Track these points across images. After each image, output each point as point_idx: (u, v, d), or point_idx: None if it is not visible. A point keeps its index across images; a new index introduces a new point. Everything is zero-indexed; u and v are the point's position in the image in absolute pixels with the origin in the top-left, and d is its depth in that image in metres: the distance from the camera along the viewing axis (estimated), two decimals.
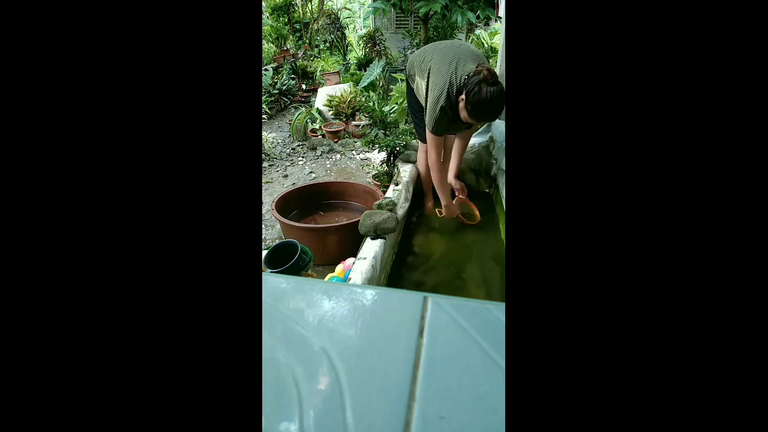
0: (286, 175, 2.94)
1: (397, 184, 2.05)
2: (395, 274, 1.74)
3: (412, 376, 0.30)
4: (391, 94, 3.70)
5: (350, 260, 1.67)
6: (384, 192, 2.05)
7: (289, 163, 3.16)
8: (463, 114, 1.59)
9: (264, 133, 3.45)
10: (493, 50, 4.18)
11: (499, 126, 2.31)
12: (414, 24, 5.32)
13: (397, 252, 1.86)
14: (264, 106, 4.15)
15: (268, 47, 5.35)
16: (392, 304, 0.36)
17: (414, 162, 2.31)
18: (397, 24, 5.64)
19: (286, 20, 5.60)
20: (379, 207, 1.68)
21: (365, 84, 4.11)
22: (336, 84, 4.33)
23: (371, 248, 1.50)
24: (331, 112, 3.80)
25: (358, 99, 3.75)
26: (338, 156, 3.27)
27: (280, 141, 3.60)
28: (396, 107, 3.24)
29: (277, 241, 1.67)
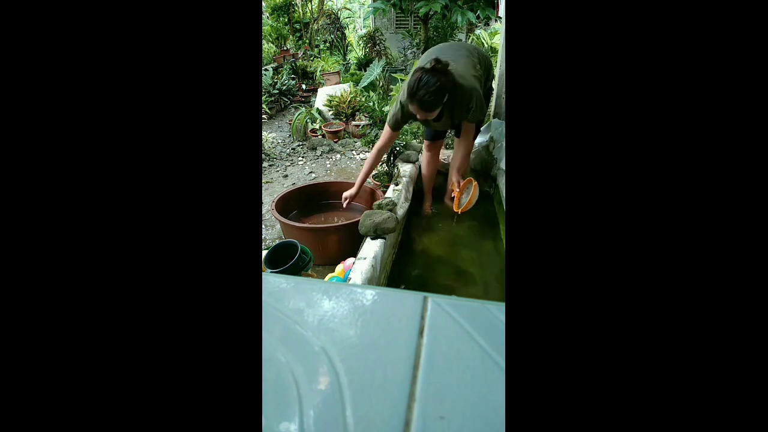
0: (286, 175, 2.94)
1: (397, 184, 2.05)
2: (395, 274, 1.74)
3: (412, 376, 0.30)
4: (391, 94, 3.70)
5: (350, 260, 1.67)
6: (384, 192, 2.05)
7: (289, 163, 3.16)
8: (411, 108, 1.55)
9: (264, 133, 3.45)
10: (493, 50, 4.18)
11: (499, 126, 2.31)
12: (414, 24, 5.32)
13: (397, 252, 1.86)
14: (264, 106, 4.15)
15: (268, 47, 5.35)
16: (392, 304, 0.36)
17: (414, 162, 2.31)
18: (397, 24, 5.64)
19: (286, 20, 5.60)
20: (379, 207, 1.68)
21: (365, 84, 4.11)
22: (336, 84, 4.33)
23: (371, 248, 1.50)
24: (331, 112, 3.80)
25: (358, 99, 3.75)
26: (338, 156, 3.27)
27: (280, 141, 3.60)
28: None
29: (277, 241, 1.67)
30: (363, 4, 7.31)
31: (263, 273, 0.36)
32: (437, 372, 0.30)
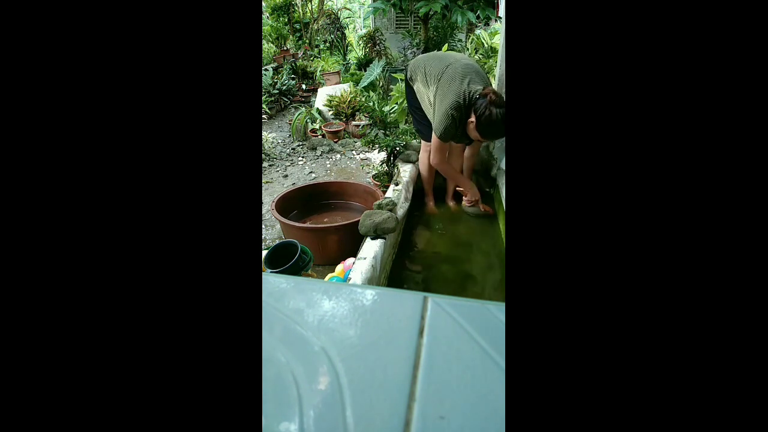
0: (286, 175, 2.94)
1: (397, 184, 2.05)
2: (395, 274, 1.74)
3: (412, 376, 0.30)
4: (391, 94, 3.70)
5: (350, 260, 1.67)
6: (384, 192, 2.05)
7: (289, 163, 3.16)
8: (474, 134, 1.72)
9: (264, 133, 3.45)
10: (493, 50, 4.18)
11: None
12: (414, 24, 5.32)
13: (397, 252, 1.86)
14: (264, 106, 4.15)
15: (268, 47, 5.35)
16: (392, 304, 0.36)
17: (414, 162, 2.31)
18: (397, 24, 5.63)
19: (286, 20, 5.60)
20: (379, 207, 1.68)
21: (365, 84, 4.11)
22: (336, 84, 4.32)
23: (371, 248, 1.50)
24: (331, 112, 3.80)
25: (358, 99, 3.75)
26: (338, 156, 3.27)
27: (280, 141, 3.60)
28: (396, 107, 3.24)
29: (277, 241, 1.67)
30: (363, 4, 7.31)
31: (263, 273, 0.36)
32: (437, 372, 0.30)
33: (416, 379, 0.29)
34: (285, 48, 5.41)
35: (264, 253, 1.53)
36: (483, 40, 4.46)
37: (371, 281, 1.37)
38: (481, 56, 4.06)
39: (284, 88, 4.52)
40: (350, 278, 1.38)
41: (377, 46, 4.95)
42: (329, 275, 1.68)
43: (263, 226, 2.25)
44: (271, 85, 4.41)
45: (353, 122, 3.67)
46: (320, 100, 3.93)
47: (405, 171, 2.21)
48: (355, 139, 3.52)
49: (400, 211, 1.81)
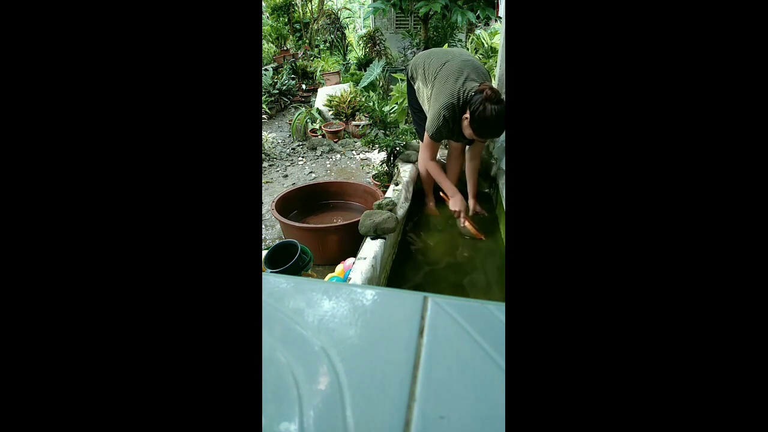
0: (286, 175, 2.94)
1: (397, 184, 2.05)
2: (395, 274, 1.74)
3: (412, 376, 0.30)
4: (391, 94, 3.70)
5: (350, 260, 1.67)
6: (384, 192, 2.05)
7: (289, 163, 3.16)
8: (468, 132, 1.64)
9: (264, 133, 3.45)
10: (493, 50, 4.18)
11: None
12: (414, 24, 5.32)
13: (397, 252, 1.86)
14: (264, 106, 4.15)
15: (268, 47, 5.35)
16: (392, 304, 0.36)
17: (414, 162, 2.31)
18: (397, 24, 5.64)
19: (286, 20, 5.60)
20: (379, 207, 1.68)
21: (365, 84, 4.11)
22: (336, 84, 4.33)
23: (371, 248, 1.50)
24: (331, 112, 3.80)
25: (358, 99, 3.75)
26: (338, 156, 3.27)
27: (280, 141, 3.60)
28: (396, 107, 3.24)
29: (277, 241, 1.67)
30: (363, 4, 7.31)
31: (263, 273, 0.36)
32: (437, 372, 0.30)
33: (416, 379, 0.29)
34: (285, 48, 5.41)
35: (264, 253, 1.53)
36: (483, 40, 4.46)
37: (371, 281, 1.37)
38: (481, 56, 4.06)
39: (284, 88, 4.52)
40: (350, 278, 1.38)
41: (377, 46, 4.95)
42: (329, 275, 1.68)
43: (263, 226, 2.25)
44: (271, 85, 4.41)
45: (353, 122, 3.67)
46: (320, 100, 3.93)
47: (405, 171, 2.21)
48: (355, 139, 3.52)
49: (400, 211, 1.81)
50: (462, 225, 1.90)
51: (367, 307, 0.36)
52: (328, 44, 5.94)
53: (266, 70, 4.60)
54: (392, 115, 3.11)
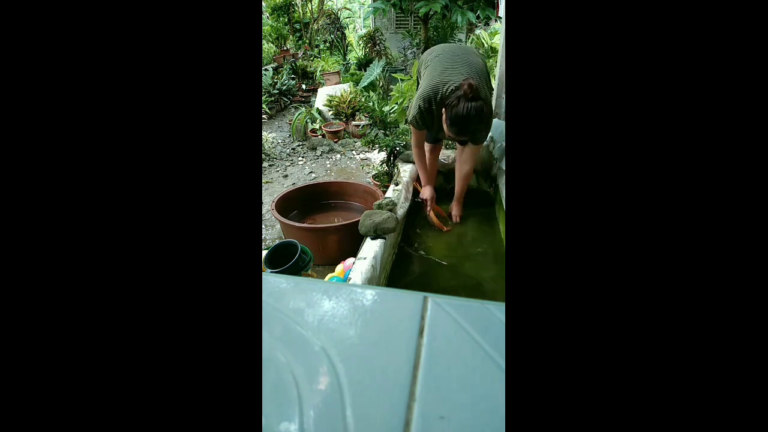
0: (286, 175, 2.94)
1: (397, 184, 2.05)
2: (395, 274, 1.74)
3: (412, 376, 0.30)
4: (391, 94, 3.70)
5: (350, 260, 1.67)
6: (384, 192, 2.05)
7: (289, 163, 3.16)
8: (444, 126, 1.64)
9: (264, 133, 3.45)
10: (493, 50, 4.18)
11: (499, 126, 2.31)
12: (414, 24, 5.31)
13: (397, 252, 1.86)
14: (264, 106, 4.15)
15: (268, 47, 5.35)
16: (392, 304, 0.36)
17: (414, 162, 2.31)
18: (397, 24, 5.64)
19: (286, 20, 5.60)
20: (379, 207, 1.68)
21: (365, 84, 4.11)
22: (336, 84, 4.33)
23: (371, 248, 1.50)
24: (331, 112, 3.80)
25: (358, 99, 3.75)
26: (338, 156, 3.27)
27: (280, 141, 3.60)
28: (396, 107, 3.24)
29: (277, 241, 1.67)
30: (363, 4, 7.31)
31: (263, 273, 0.36)
32: (437, 372, 0.30)
33: (416, 379, 0.29)
34: (285, 48, 5.41)
35: (264, 253, 1.53)
36: (483, 40, 4.46)
37: (371, 281, 1.37)
38: None
39: (284, 88, 4.52)
40: (350, 278, 1.38)
41: (377, 46, 4.95)
42: (329, 275, 1.68)
43: (263, 226, 2.25)
44: (271, 85, 4.41)
45: (353, 122, 3.67)
46: (320, 100, 3.93)
47: (405, 171, 2.21)
48: (355, 139, 3.52)
49: (400, 211, 1.81)
50: (427, 213, 2.01)
51: (367, 307, 0.36)
52: (328, 44, 5.94)
53: (266, 70, 4.60)
54: (392, 115, 3.11)
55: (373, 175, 2.58)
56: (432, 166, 2.12)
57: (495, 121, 2.42)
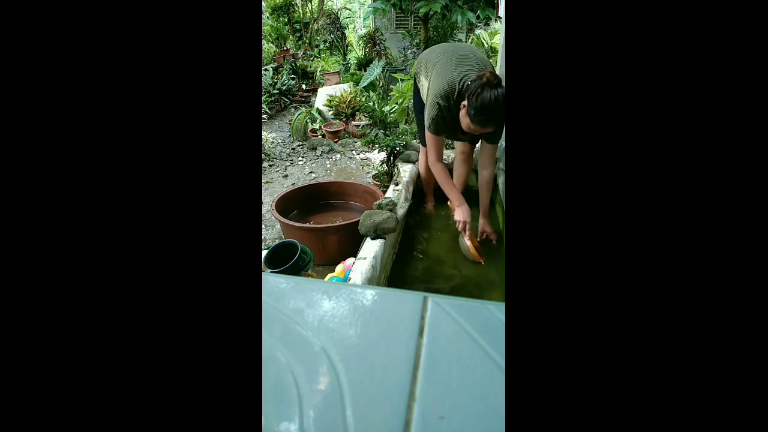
0: (286, 175, 2.94)
1: (397, 184, 2.05)
2: (395, 274, 1.74)
3: (412, 376, 0.30)
4: (391, 94, 3.70)
5: (350, 260, 1.67)
6: (384, 192, 2.05)
7: (289, 163, 3.16)
8: (465, 121, 1.49)
9: (264, 133, 3.45)
10: (493, 50, 4.18)
11: None
12: (414, 24, 5.31)
13: (397, 252, 1.86)
14: (264, 106, 4.16)
15: (268, 47, 5.35)
16: (392, 304, 0.36)
17: (414, 162, 2.31)
18: (397, 24, 5.64)
19: (286, 20, 5.60)
20: (379, 207, 1.68)
21: (365, 84, 4.11)
22: (336, 84, 4.33)
23: (371, 248, 1.50)
24: (331, 112, 3.80)
25: (358, 99, 3.75)
26: (338, 156, 3.27)
27: (280, 141, 3.60)
28: (396, 107, 3.24)
29: (277, 241, 1.67)
30: (363, 4, 7.31)
31: (263, 273, 0.36)
32: (437, 372, 0.30)
33: (416, 379, 0.29)
34: (285, 48, 5.41)
35: (264, 253, 1.53)
36: (483, 40, 4.46)
37: (371, 281, 1.37)
38: None
39: (284, 88, 4.52)
40: (350, 278, 1.38)
41: (377, 46, 4.95)
42: (329, 275, 1.68)
43: (263, 226, 2.25)
44: (271, 85, 4.41)
45: (353, 122, 3.67)
46: (320, 100, 3.93)
47: (405, 171, 2.21)
48: (355, 139, 3.52)
49: (400, 211, 1.80)
50: (465, 240, 1.72)
51: (367, 307, 0.36)
52: (328, 44, 5.94)
53: (266, 70, 4.60)
54: (392, 115, 3.11)
55: (373, 175, 2.58)
56: (465, 171, 1.91)
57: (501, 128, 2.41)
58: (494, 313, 0.34)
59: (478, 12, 3.61)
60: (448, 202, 1.81)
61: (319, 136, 3.55)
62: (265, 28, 5.43)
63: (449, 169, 2.13)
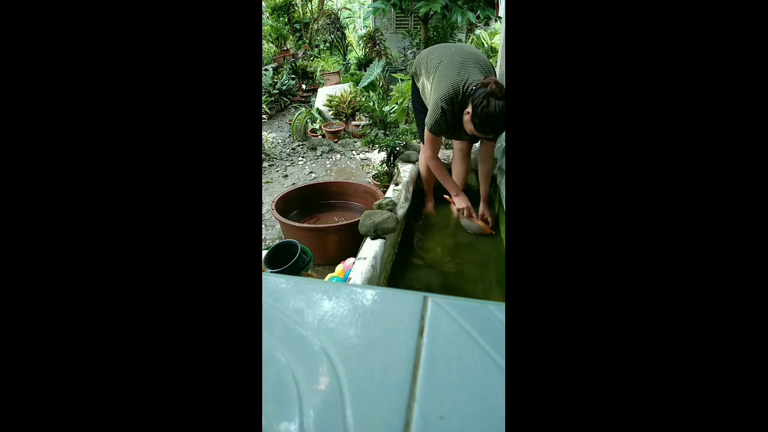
0: (286, 175, 2.94)
1: (397, 184, 2.05)
2: (395, 274, 1.74)
3: (412, 376, 0.30)
4: (391, 94, 3.70)
5: (350, 260, 1.67)
6: (384, 192, 2.05)
7: (289, 163, 3.16)
8: (469, 127, 1.57)
9: (264, 133, 3.45)
10: (493, 50, 4.18)
11: None
12: (414, 24, 5.31)
13: (397, 252, 1.86)
14: (264, 106, 4.15)
15: (268, 47, 5.35)
16: (392, 304, 0.36)
17: (414, 162, 2.31)
18: (397, 24, 5.63)
19: (286, 20, 5.60)
20: (379, 207, 1.68)
21: (365, 84, 4.11)
22: (336, 84, 4.32)
23: (371, 248, 1.50)
24: (331, 112, 3.80)
25: (358, 99, 3.75)
26: (338, 156, 3.27)
27: (280, 141, 3.60)
28: (396, 107, 3.24)
29: (277, 241, 1.67)
30: (363, 4, 7.31)
31: (263, 273, 0.36)
32: (437, 372, 0.30)
33: (416, 379, 0.29)
34: (285, 48, 5.41)
35: (264, 253, 1.53)
36: (483, 40, 4.46)
37: (371, 281, 1.37)
38: None
39: (284, 88, 4.52)
40: (350, 278, 1.38)
41: (377, 46, 4.95)
42: (329, 275, 1.68)
43: (263, 226, 2.25)
44: (271, 85, 4.41)
45: (353, 122, 3.67)
46: (320, 100, 3.93)
47: (405, 171, 2.21)
48: (355, 139, 3.51)
49: (400, 211, 1.81)
50: (468, 220, 1.88)
51: (367, 307, 0.36)
52: (328, 44, 5.94)
53: (266, 70, 4.59)
54: (392, 115, 3.11)
55: (373, 175, 2.58)
56: (464, 168, 2.05)
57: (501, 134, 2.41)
58: (494, 313, 0.34)
59: (478, 12, 3.61)
60: (447, 197, 1.96)
61: (319, 136, 3.55)
62: (265, 28, 5.43)
63: (448, 169, 2.18)
